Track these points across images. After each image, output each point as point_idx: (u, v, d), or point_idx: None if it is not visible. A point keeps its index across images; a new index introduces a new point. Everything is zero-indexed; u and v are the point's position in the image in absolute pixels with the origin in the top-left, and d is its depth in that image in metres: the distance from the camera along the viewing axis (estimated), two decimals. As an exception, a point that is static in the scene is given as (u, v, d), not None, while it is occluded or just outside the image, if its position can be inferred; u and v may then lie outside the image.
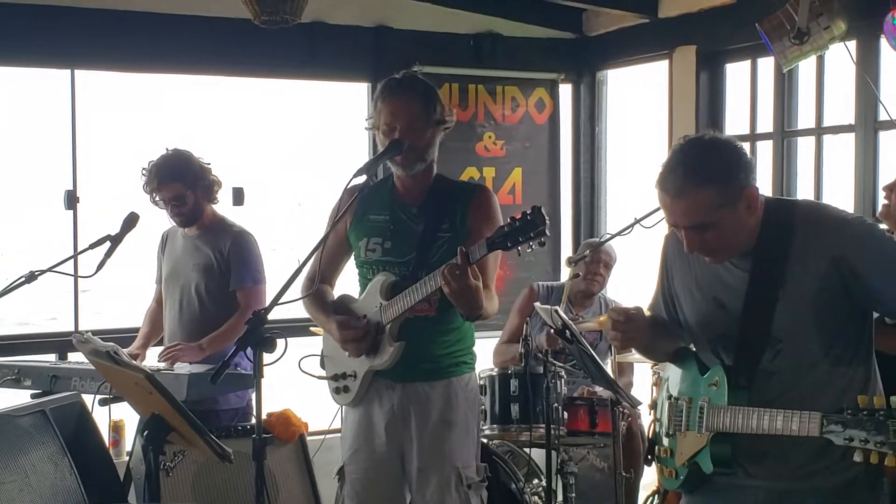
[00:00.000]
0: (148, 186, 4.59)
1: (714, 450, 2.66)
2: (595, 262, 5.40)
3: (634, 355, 5.42)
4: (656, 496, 4.99)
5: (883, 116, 4.87)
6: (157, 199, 4.60)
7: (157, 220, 4.73)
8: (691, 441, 2.75)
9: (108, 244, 4.16)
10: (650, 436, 2.98)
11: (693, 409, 2.75)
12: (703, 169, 2.56)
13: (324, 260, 3.59)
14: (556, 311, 4.59)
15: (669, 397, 2.89)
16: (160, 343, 4.83)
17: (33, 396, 4.32)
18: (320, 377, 3.76)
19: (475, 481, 3.51)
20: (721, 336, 2.72)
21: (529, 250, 3.09)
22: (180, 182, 4.56)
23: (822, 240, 2.59)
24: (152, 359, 4.71)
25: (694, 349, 2.90)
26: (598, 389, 4.93)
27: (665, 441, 2.89)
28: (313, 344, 3.82)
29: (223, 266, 4.61)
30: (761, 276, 2.64)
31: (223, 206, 4.84)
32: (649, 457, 2.96)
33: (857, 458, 2.33)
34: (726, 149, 2.61)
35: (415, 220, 3.49)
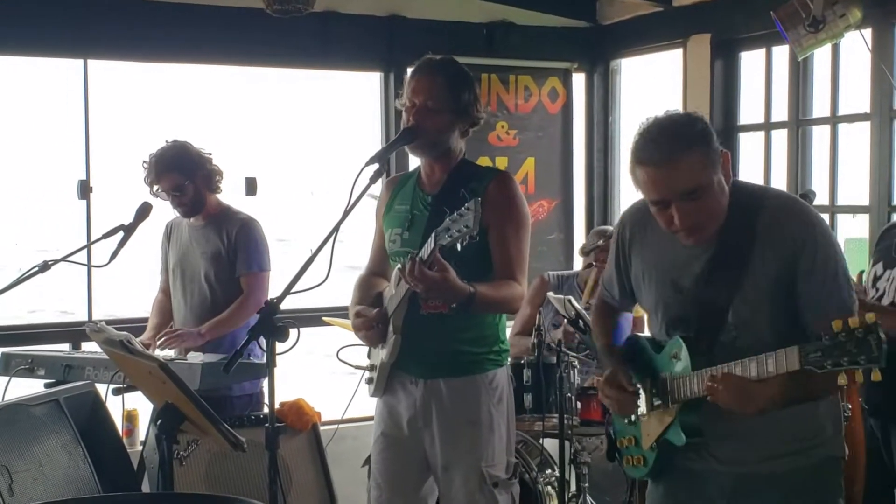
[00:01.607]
0: (147, 178, 4.63)
1: (683, 420, 2.66)
2: (604, 250, 5.38)
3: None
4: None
5: (899, 105, 4.85)
6: (158, 190, 4.62)
7: (169, 212, 4.75)
8: (657, 419, 2.74)
9: (121, 234, 4.17)
10: (606, 432, 2.99)
11: (656, 388, 2.75)
12: (684, 134, 2.55)
13: (374, 253, 3.67)
14: (570, 301, 4.59)
15: None
16: None
17: (47, 386, 4.34)
18: (357, 366, 3.79)
19: (502, 479, 3.44)
20: (677, 319, 2.72)
21: (459, 247, 3.00)
22: (178, 172, 4.58)
23: (785, 230, 2.58)
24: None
25: (639, 335, 2.93)
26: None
27: (627, 430, 2.88)
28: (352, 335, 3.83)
29: (231, 253, 4.63)
30: (722, 262, 2.63)
31: (236, 195, 4.84)
32: (615, 455, 2.96)
33: (842, 381, 2.29)
34: (694, 117, 2.61)
35: (429, 208, 3.45)
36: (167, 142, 4.69)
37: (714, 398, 2.52)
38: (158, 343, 4.57)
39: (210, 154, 4.71)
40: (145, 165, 4.64)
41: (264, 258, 4.68)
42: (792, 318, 2.59)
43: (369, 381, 3.60)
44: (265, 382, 4.70)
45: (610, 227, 5.82)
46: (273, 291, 4.59)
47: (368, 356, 3.68)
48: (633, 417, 2.84)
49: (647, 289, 2.81)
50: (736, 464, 2.69)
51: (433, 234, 3.06)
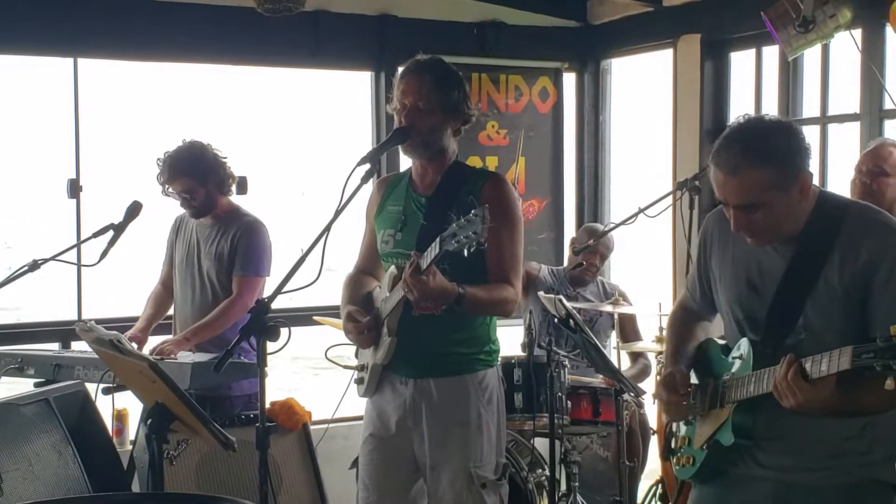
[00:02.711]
0: (161, 178, 4.62)
1: (736, 420, 2.67)
2: (592, 252, 5.40)
3: (641, 344, 5.43)
4: (659, 486, 5.00)
5: (888, 105, 4.86)
6: (169, 190, 4.62)
7: (159, 211, 4.74)
8: (712, 420, 2.75)
9: (111, 233, 4.16)
10: (664, 431, 2.98)
11: (716, 389, 2.76)
12: (761, 149, 2.54)
13: (364, 252, 3.67)
14: (560, 300, 4.60)
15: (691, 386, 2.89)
16: (164, 324, 4.88)
17: (37, 385, 4.32)
18: (346, 366, 3.78)
19: (490, 480, 3.43)
20: (749, 318, 2.73)
21: (466, 253, 2.99)
22: (190, 177, 4.58)
23: (865, 241, 2.57)
24: (155, 341, 4.72)
25: (713, 338, 2.92)
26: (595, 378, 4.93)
27: (682, 430, 2.89)
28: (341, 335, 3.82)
29: (233, 254, 4.62)
30: (800, 265, 2.63)
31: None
32: (669, 455, 2.96)
33: (890, 385, 2.26)
34: (786, 131, 2.59)
35: (423, 209, 3.45)
36: (184, 141, 4.68)
37: (777, 391, 2.49)
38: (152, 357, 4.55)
39: (226, 158, 4.71)
40: (159, 163, 4.63)
41: (262, 264, 4.65)
42: (861, 330, 2.56)
43: (359, 381, 3.60)
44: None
45: (600, 226, 5.83)
46: (265, 291, 4.59)
47: (356, 356, 3.68)
48: (690, 418, 2.85)
49: (722, 287, 2.82)
50: (777, 469, 2.68)
51: (438, 240, 3.03)
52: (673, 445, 2.96)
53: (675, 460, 2.94)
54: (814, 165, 4.17)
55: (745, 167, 2.53)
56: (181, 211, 4.82)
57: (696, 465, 2.82)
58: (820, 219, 2.63)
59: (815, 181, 4.19)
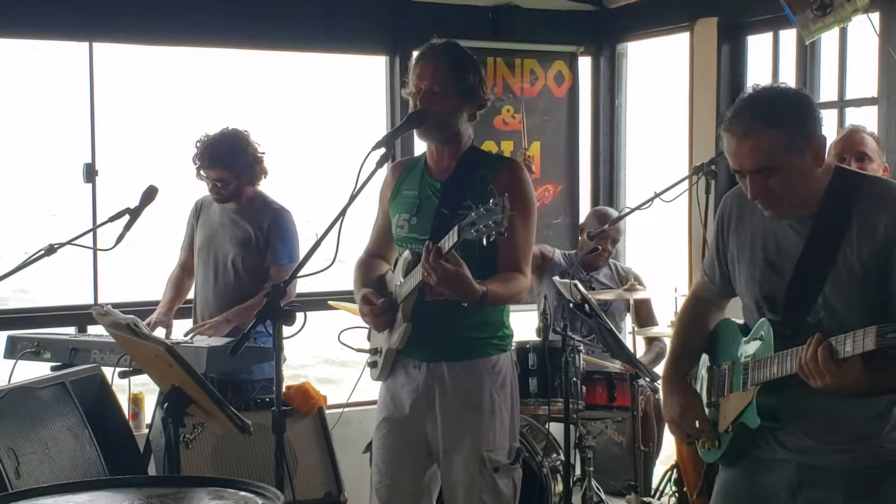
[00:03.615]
0: (197, 161, 4.65)
1: (761, 402, 2.66)
2: (604, 237, 5.40)
3: (656, 329, 5.42)
4: (674, 471, 5.00)
5: (906, 89, 4.82)
6: (202, 174, 4.66)
7: (175, 195, 4.74)
8: (735, 402, 2.75)
9: (127, 217, 4.17)
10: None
11: (736, 371, 2.76)
12: (772, 111, 2.57)
13: (376, 236, 3.67)
14: (576, 285, 4.59)
15: (709, 368, 2.89)
16: (184, 307, 4.92)
17: (53, 369, 4.34)
18: (359, 349, 3.79)
19: (503, 464, 3.44)
20: (767, 297, 2.72)
21: (486, 242, 2.99)
22: (228, 170, 4.64)
23: (882, 216, 2.56)
24: (178, 325, 4.74)
25: (732, 319, 2.91)
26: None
27: (706, 412, 2.88)
28: (356, 318, 3.82)
29: (261, 242, 4.67)
30: (818, 243, 2.62)
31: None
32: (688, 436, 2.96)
33: None
34: (795, 95, 2.62)
35: (438, 194, 3.44)
36: (227, 129, 4.72)
37: (802, 371, 2.48)
38: (188, 338, 4.56)
39: (264, 153, 4.75)
40: (198, 146, 4.67)
41: (295, 251, 4.71)
42: (881, 307, 2.55)
43: (373, 364, 3.61)
44: (283, 367, 4.74)
45: (609, 209, 5.82)
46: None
47: (369, 339, 3.68)
48: (712, 399, 2.85)
49: (741, 268, 2.81)
50: (799, 452, 2.68)
51: (456, 228, 3.03)
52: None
53: (699, 444, 2.93)
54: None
55: (756, 130, 2.55)
56: (200, 195, 4.84)
57: (721, 448, 2.81)
58: (836, 193, 2.62)
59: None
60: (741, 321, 2.87)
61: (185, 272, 4.94)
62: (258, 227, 4.66)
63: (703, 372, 2.94)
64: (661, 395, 3.04)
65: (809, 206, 2.63)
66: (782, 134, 2.54)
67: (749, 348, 2.74)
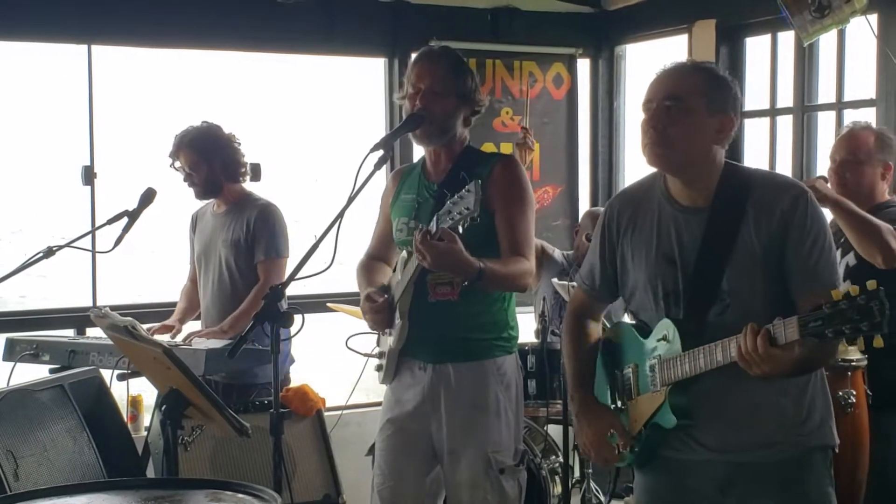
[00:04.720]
0: (170, 151, 4.65)
1: (673, 401, 2.66)
2: None
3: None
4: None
5: (904, 90, 4.83)
6: (176, 165, 4.65)
7: (173, 198, 4.74)
8: (645, 404, 2.75)
9: (125, 219, 4.17)
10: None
11: (641, 373, 2.76)
12: (706, 70, 2.75)
13: (377, 240, 3.69)
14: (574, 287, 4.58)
15: (610, 374, 2.88)
16: (197, 319, 4.91)
17: (52, 371, 4.35)
18: (366, 354, 3.80)
19: (508, 466, 3.44)
20: (670, 293, 2.72)
21: (461, 229, 3.04)
22: (195, 151, 4.61)
23: (778, 199, 2.63)
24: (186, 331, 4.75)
25: (625, 321, 2.93)
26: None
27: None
28: (358, 321, 3.83)
29: (250, 240, 4.63)
30: (716, 229, 2.66)
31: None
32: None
33: (861, 345, 2.32)
34: (732, 81, 2.74)
35: (435, 196, 3.45)
36: (203, 122, 4.72)
37: (742, 361, 2.48)
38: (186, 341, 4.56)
39: (240, 144, 4.72)
40: (175, 138, 4.68)
41: (281, 245, 4.66)
42: (782, 291, 2.62)
43: (379, 368, 3.61)
44: (289, 368, 4.75)
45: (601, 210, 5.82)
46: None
47: (378, 344, 3.69)
48: (619, 404, 2.85)
49: (636, 268, 2.81)
50: (725, 451, 2.69)
51: (434, 218, 3.09)
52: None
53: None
54: (828, 151, 4.16)
55: (684, 69, 2.73)
56: (197, 206, 4.84)
57: (634, 452, 2.80)
58: (729, 184, 2.69)
59: (828, 167, 4.19)
60: (630, 321, 2.88)
61: (193, 285, 4.94)
62: (245, 225, 4.64)
63: (601, 381, 2.92)
64: (574, 424, 3.02)
65: (705, 198, 2.69)
66: (704, 82, 2.67)
67: (653, 349, 2.73)
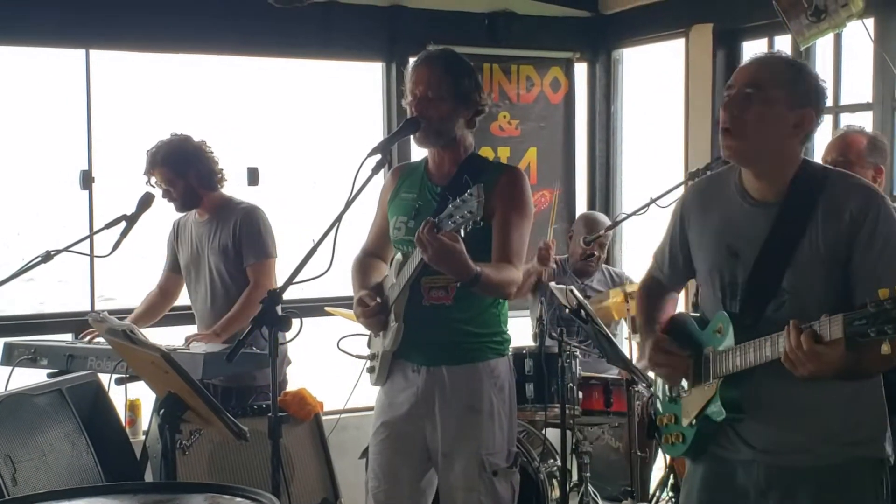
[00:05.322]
0: (144, 168, 4.64)
1: (724, 394, 2.67)
2: (596, 243, 5.39)
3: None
4: (671, 476, 4.99)
5: (901, 94, 4.84)
6: (153, 182, 4.64)
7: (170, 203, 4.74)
8: (698, 396, 2.75)
9: (123, 224, 4.18)
10: (646, 409, 2.99)
11: (697, 365, 2.76)
12: (793, 62, 2.76)
13: (373, 237, 3.69)
14: (572, 291, 4.59)
15: None
16: (153, 327, 4.87)
17: (50, 376, 4.35)
18: (358, 356, 3.79)
19: (501, 468, 3.45)
20: (729, 285, 2.73)
21: (462, 233, 3.05)
22: (168, 168, 4.59)
23: (849, 201, 2.60)
24: (177, 332, 4.74)
25: (685, 313, 2.95)
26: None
27: (668, 407, 2.89)
28: (355, 325, 3.83)
29: (237, 245, 4.63)
30: (784, 226, 2.64)
31: (238, 185, 4.84)
32: (655, 434, 2.97)
33: (886, 349, 2.26)
34: (821, 80, 2.73)
35: (438, 198, 3.45)
36: (171, 135, 4.68)
37: (786, 361, 2.47)
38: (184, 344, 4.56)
39: (212, 151, 4.70)
40: (147, 156, 4.65)
41: (267, 245, 4.66)
42: (843, 292, 2.59)
43: (371, 370, 3.61)
44: (287, 371, 4.75)
45: (601, 215, 5.83)
46: (279, 280, 4.60)
47: (369, 345, 3.69)
48: (674, 394, 2.86)
49: (702, 255, 2.82)
50: (766, 452, 2.68)
51: (436, 220, 3.08)
52: (658, 424, 2.95)
53: (662, 438, 2.94)
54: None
55: (772, 59, 2.76)
56: (178, 215, 4.83)
57: (686, 443, 2.81)
58: (803, 180, 2.67)
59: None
60: (697, 314, 2.89)
61: (160, 293, 4.92)
62: (230, 231, 4.63)
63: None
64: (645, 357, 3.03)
65: (776, 194, 2.67)
66: (787, 77, 2.65)
67: (708, 341, 2.74)
